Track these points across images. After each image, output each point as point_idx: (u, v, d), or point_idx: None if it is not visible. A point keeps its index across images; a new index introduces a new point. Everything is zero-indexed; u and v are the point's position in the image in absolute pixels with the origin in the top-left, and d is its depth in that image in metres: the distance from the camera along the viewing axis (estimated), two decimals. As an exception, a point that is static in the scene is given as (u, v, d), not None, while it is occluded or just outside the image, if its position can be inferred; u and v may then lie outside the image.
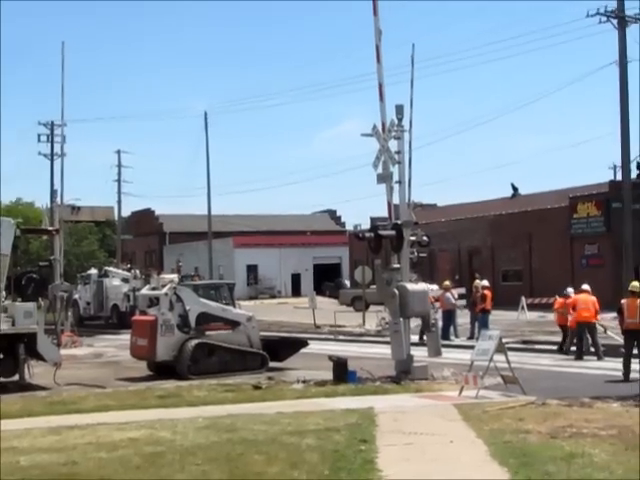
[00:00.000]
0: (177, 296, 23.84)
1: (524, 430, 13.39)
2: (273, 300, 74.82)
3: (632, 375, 20.31)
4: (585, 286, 26.46)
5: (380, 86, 21.72)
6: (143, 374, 23.84)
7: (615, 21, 43.48)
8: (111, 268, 53.24)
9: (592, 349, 25.30)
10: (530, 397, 17.10)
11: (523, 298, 43.53)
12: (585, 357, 25.06)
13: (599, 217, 50.12)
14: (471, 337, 30.85)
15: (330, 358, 21.19)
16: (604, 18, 43.49)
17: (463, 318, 34.04)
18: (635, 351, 20.87)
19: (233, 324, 24.72)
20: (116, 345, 33.68)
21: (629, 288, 21.54)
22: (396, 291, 20.56)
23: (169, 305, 23.68)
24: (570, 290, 27.05)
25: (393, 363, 21.06)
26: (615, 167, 54.92)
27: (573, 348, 25.72)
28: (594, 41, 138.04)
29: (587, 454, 11.37)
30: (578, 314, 25.49)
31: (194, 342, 23.43)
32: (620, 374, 20.40)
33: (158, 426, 14.36)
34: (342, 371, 20.24)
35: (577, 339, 25.60)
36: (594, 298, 25.72)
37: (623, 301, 21.12)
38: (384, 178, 21.34)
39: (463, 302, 36.50)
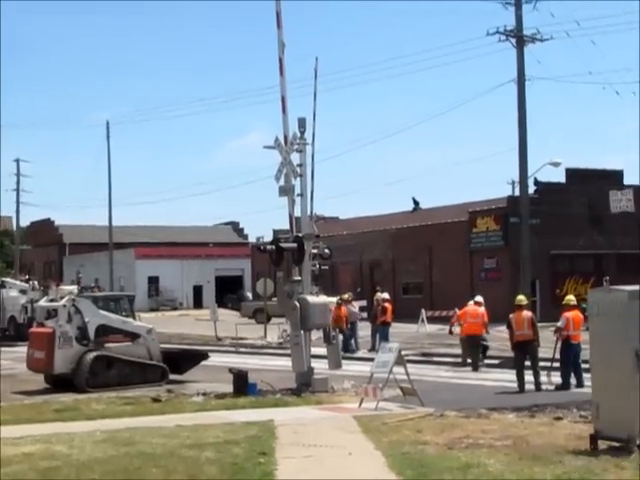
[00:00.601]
0: (76, 308, 23.46)
1: (422, 441, 13.55)
2: (174, 312, 74.23)
3: (527, 386, 20.76)
4: (478, 298, 27.06)
5: (283, 99, 21.78)
6: (40, 387, 23.39)
7: (514, 40, 44.46)
8: (8, 279, 52.05)
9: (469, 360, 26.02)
10: (429, 409, 17.29)
11: (423, 311, 44.08)
12: (483, 369, 25.56)
13: (498, 231, 51.09)
14: (372, 349, 31.07)
15: (230, 370, 21.13)
16: (503, 37, 44.44)
17: (364, 330, 34.29)
18: (528, 362, 21.29)
19: (133, 336, 24.44)
20: (12, 358, 32.90)
21: (515, 302, 22.07)
22: (297, 303, 20.61)
23: (67, 317, 23.29)
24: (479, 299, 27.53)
25: (294, 375, 21.09)
26: (513, 182, 56.03)
27: (469, 360, 26.24)
28: (494, 59, 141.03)
29: (482, 464, 11.57)
30: (467, 326, 26.11)
31: (93, 354, 23.09)
32: (516, 386, 20.81)
33: (54, 440, 14.09)
34: (242, 383, 20.18)
35: (470, 351, 26.13)
36: (483, 310, 26.33)
37: (511, 315, 21.64)
38: (286, 191, 21.39)
39: (364, 314, 36.73)
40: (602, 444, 12.66)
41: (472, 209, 53.39)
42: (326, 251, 22.44)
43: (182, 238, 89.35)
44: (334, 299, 40.22)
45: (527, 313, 21.58)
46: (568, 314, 21.14)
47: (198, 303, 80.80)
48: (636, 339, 12.29)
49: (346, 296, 34.47)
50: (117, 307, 26.20)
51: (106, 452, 12.96)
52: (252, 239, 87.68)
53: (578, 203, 51.18)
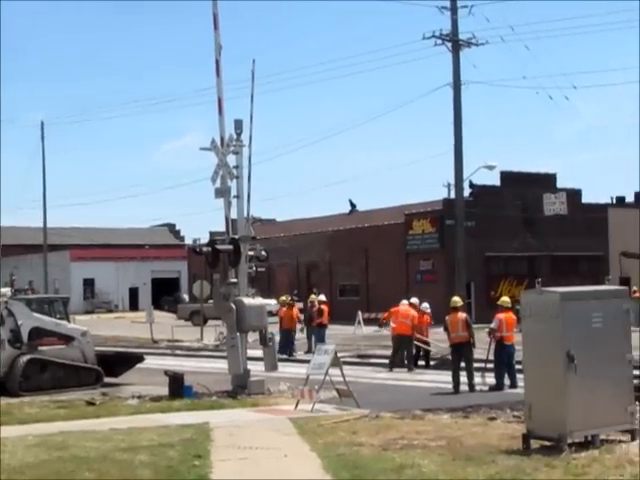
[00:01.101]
0: (8, 310, 23.09)
1: (357, 443, 13.60)
2: (110, 314, 73.59)
3: (461, 387, 20.96)
4: (413, 299, 27.38)
5: (219, 100, 21.70)
6: (-29, 391, 22.96)
7: (449, 44, 44.83)
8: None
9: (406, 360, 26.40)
10: (364, 410, 17.35)
11: (360, 313, 44.25)
12: (418, 370, 25.82)
13: (433, 234, 51.53)
14: (308, 351, 31.09)
15: (166, 373, 20.99)
16: (439, 41, 44.78)
17: (301, 333, 34.28)
18: (463, 364, 21.51)
19: (67, 339, 24.12)
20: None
21: (450, 304, 22.31)
22: (233, 306, 20.57)
23: (0, 320, 22.92)
24: (425, 305, 27.69)
25: (230, 378, 21.03)
26: (449, 185, 56.46)
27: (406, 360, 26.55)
28: (430, 63, 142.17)
29: (417, 465, 11.64)
30: (396, 326, 26.35)
31: (26, 358, 22.74)
32: (450, 387, 21.00)
33: (-15, 445, 13.85)
34: (178, 386, 20.06)
35: (402, 351, 26.37)
36: (415, 312, 26.60)
37: (447, 317, 21.87)
38: (222, 192, 21.32)
39: (301, 316, 36.71)
40: (534, 443, 12.83)
41: (408, 211, 53.78)
42: (263, 253, 22.41)
43: (118, 240, 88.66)
44: (272, 301, 40.38)
45: (462, 315, 21.83)
46: (501, 315, 21.40)
47: (134, 305, 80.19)
48: (568, 340, 12.49)
49: (284, 298, 34.48)
50: (51, 309, 25.84)
51: (38, 456, 12.77)
52: (189, 241, 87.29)
53: (512, 206, 51.89)
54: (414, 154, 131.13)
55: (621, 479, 10.71)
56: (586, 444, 12.64)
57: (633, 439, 13.07)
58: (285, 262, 59.15)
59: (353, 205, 64.05)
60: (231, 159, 21.40)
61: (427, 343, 27.16)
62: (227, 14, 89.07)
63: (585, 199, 56.96)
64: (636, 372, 15.76)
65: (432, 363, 26.92)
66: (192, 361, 31.27)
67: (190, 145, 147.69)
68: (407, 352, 26.44)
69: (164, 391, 20.36)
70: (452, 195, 50.24)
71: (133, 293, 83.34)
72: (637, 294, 43.40)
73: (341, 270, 58.19)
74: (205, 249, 21.86)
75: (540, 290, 13.27)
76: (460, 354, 21.47)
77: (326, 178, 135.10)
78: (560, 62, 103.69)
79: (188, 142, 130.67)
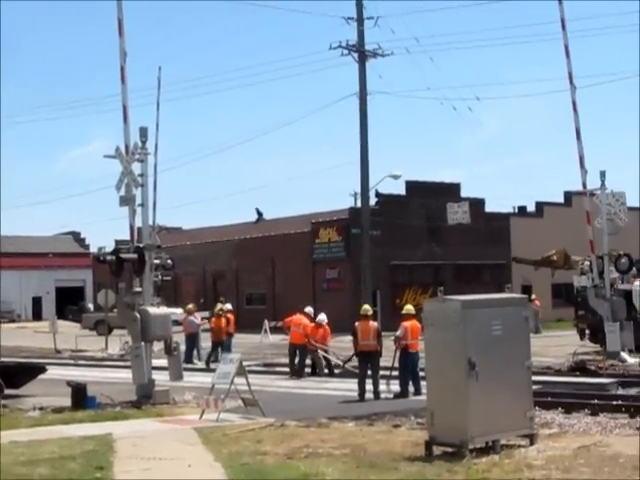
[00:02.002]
0: None
1: (262, 452, 13.60)
2: (12, 324, 71.98)
3: (367, 395, 21.10)
4: (307, 309, 27.63)
5: (124, 108, 21.51)
6: None
7: (356, 55, 45.29)
8: None
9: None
10: (269, 419, 17.34)
11: (266, 321, 44.27)
12: (319, 378, 25.98)
13: (340, 242, 51.87)
14: (215, 360, 30.91)
15: (68, 384, 20.64)
16: (346, 51, 45.25)
17: (207, 342, 34.10)
18: (370, 372, 21.66)
19: (-35, 350, 23.56)
20: None
21: (360, 312, 22.48)
22: (137, 315, 20.37)
23: None
24: (321, 317, 27.73)
25: (135, 388, 20.80)
26: (355, 194, 56.95)
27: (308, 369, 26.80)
28: (337, 72, 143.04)
29: (321, 473, 11.70)
30: (291, 334, 26.68)
31: None
32: (356, 394, 21.13)
33: None
34: (81, 397, 19.74)
35: (289, 359, 26.93)
36: (307, 321, 26.86)
37: (357, 324, 22.02)
38: (127, 200, 21.10)
39: (207, 325, 36.53)
40: (437, 450, 13.02)
41: (315, 220, 54.02)
42: (168, 262, 22.23)
43: (20, 248, 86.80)
44: (177, 310, 40.08)
45: (373, 324, 21.98)
46: (406, 323, 21.62)
47: (37, 315, 78.74)
48: (469, 347, 12.71)
49: (190, 306, 34.25)
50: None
51: None
52: (94, 249, 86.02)
53: (417, 215, 52.57)
54: (321, 163, 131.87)
55: (519, 483, 10.95)
56: (487, 449, 12.89)
57: (532, 443, 13.38)
58: (191, 271, 58.82)
59: (260, 213, 64.02)
60: (136, 167, 21.19)
61: (326, 352, 27.28)
62: (133, 20, 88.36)
63: (488, 208, 58.03)
64: (535, 378, 16.15)
65: (336, 372, 27.04)
66: (96, 371, 30.81)
67: (97, 152, 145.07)
68: (299, 360, 26.69)
69: (67, 402, 19.99)
70: (358, 204, 50.76)
71: (36, 302, 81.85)
72: (537, 302, 44.41)
73: (248, 279, 58.12)
74: (109, 258, 21.59)
75: (442, 298, 13.52)
76: (367, 362, 21.63)
77: (233, 186, 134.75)
78: (464, 74, 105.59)
79: (94, 149, 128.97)
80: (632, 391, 20.84)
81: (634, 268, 32.64)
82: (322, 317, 27.51)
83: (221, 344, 31.33)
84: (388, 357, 22.81)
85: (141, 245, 21.05)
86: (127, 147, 21.16)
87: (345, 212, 53.13)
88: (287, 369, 27.97)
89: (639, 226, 46.43)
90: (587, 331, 34.27)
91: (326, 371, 26.95)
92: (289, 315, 28.34)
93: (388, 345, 23.39)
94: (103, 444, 14.54)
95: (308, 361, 27.16)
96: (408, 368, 21.40)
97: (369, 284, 46.26)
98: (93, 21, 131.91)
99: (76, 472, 12.10)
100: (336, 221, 52.81)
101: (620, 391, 21.09)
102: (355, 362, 24.32)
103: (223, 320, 31.83)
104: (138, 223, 21.51)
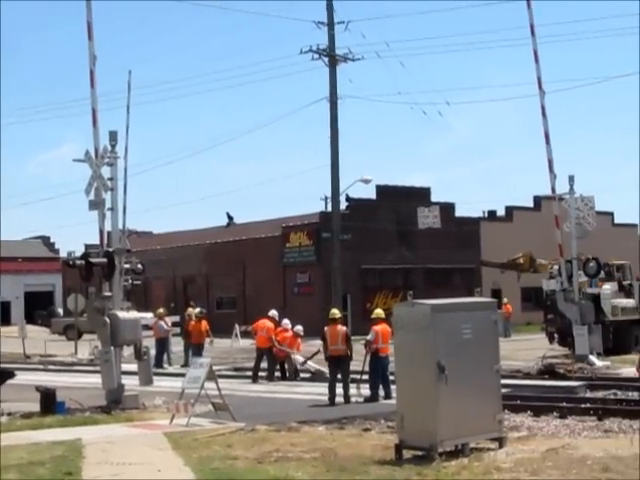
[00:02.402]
0: None
1: (232, 456, 13.58)
2: (-20, 329, 71.41)
3: (338, 399, 21.13)
4: (271, 312, 27.81)
5: (94, 111, 21.42)
6: None
7: (326, 59, 45.36)
8: None
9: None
10: (240, 423, 17.32)
11: (237, 325, 44.20)
12: (289, 382, 26.04)
13: (310, 246, 51.90)
14: (185, 365, 30.83)
15: (37, 389, 20.51)
16: (316, 55, 45.30)
17: (178, 346, 34.04)
18: (340, 376, 21.70)
19: None
20: None
21: (329, 316, 22.52)
22: (107, 319, 20.30)
23: None
24: (285, 321, 27.82)
25: (104, 393, 20.71)
26: (326, 198, 57.05)
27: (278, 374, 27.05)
28: (308, 77, 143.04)
29: (290, 477, 11.71)
30: (257, 339, 27.13)
31: None
32: (326, 398, 21.15)
33: None
34: (50, 402, 19.62)
35: (255, 363, 27.07)
36: (270, 324, 27.13)
37: (326, 328, 22.06)
38: (96, 205, 21.02)
39: (177, 330, 36.46)
40: (407, 453, 13.06)
41: (286, 224, 54.03)
42: (139, 266, 22.17)
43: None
44: (148, 314, 39.93)
45: (342, 328, 22.00)
46: (377, 327, 21.67)
47: (6, 320, 77.97)
48: (438, 351, 12.77)
49: (161, 310, 34.17)
50: None
51: None
52: (64, 254, 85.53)
53: (388, 219, 52.71)
54: (292, 167, 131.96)
55: (488, 486, 11.02)
56: (456, 453, 12.94)
57: (501, 446, 13.45)
58: (162, 275, 58.64)
59: (230, 218, 63.92)
60: (106, 171, 21.13)
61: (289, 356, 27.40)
62: (104, 24, 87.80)
63: (458, 213, 58.32)
64: (504, 381, 16.25)
65: (302, 376, 27.05)
66: (66, 376, 30.62)
67: (67, 156, 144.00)
68: (268, 364, 26.84)
69: (36, 408, 19.85)
70: (329, 208, 50.82)
71: (5, 307, 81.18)
72: (508, 307, 44.64)
73: (218, 283, 58.02)
74: (78, 262, 21.50)
75: (411, 302, 13.57)
76: (337, 366, 21.67)
77: (204, 190, 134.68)
78: (434, 78, 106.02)
79: (64, 152, 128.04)
80: (600, 394, 21.01)
81: (602, 272, 32.91)
82: (286, 322, 27.67)
83: (201, 347, 31.23)
84: (358, 361, 22.87)
85: (111, 249, 20.98)
86: (97, 151, 21.10)
87: (316, 216, 53.18)
88: (259, 374, 27.99)
89: (608, 230, 46.81)
90: (556, 335, 34.53)
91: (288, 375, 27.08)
92: (259, 319, 28.35)
93: (359, 349, 23.44)
94: (72, 449, 14.46)
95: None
96: (378, 372, 21.46)
97: (339, 288, 46.28)
98: (64, 24, 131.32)
99: (45, 478, 12.03)
100: (307, 225, 52.84)
101: (588, 394, 21.26)
102: (320, 364, 24.56)
103: (203, 323, 31.77)
104: (108, 227, 21.44)
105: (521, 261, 39.78)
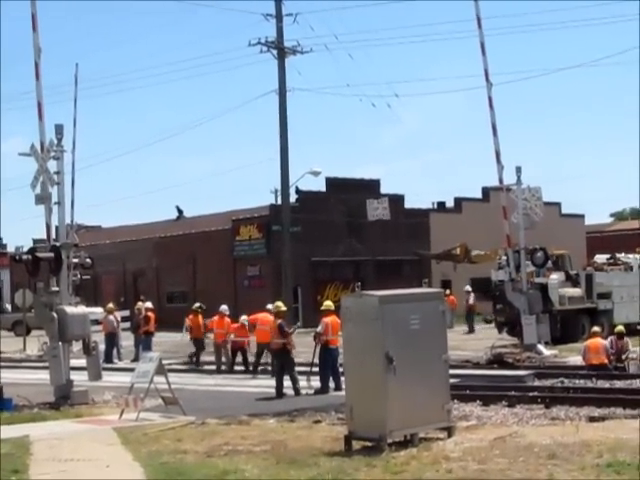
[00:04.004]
0: None
1: (182, 450, 13.55)
2: None
3: (288, 392, 21.14)
4: (222, 307, 28.74)
5: (39, 105, 21.20)
6: None
7: (275, 51, 45.34)
8: None
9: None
10: (190, 417, 17.26)
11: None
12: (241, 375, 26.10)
13: (260, 239, 51.81)
14: (135, 360, 30.64)
15: (-16, 386, 20.27)
16: (265, 48, 45.28)
17: (128, 341, 33.84)
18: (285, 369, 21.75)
19: None
20: None
21: (272, 309, 22.68)
22: (54, 315, 20.12)
23: None
24: (224, 307, 28.49)
25: (53, 389, 20.54)
26: (276, 191, 56.98)
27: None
28: (257, 69, 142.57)
29: (240, 470, 11.70)
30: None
31: None
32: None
33: None
34: (-3, 399, 19.42)
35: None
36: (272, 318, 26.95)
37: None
38: (42, 199, 20.80)
39: (127, 324, 36.20)
40: (357, 445, 13.13)
41: (235, 217, 53.88)
42: (87, 260, 22.00)
43: None
44: (97, 309, 39.60)
45: (276, 321, 22.09)
46: (327, 319, 21.71)
47: (-48, 316, 77.01)
48: (386, 342, 12.83)
49: (111, 305, 33.93)
50: None
51: None
52: (11, 249, 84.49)
53: (337, 211, 52.76)
54: (241, 160, 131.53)
55: (436, 475, 11.09)
56: (405, 443, 13.04)
57: (450, 436, 13.57)
58: (111, 269, 58.18)
59: (180, 211, 63.57)
60: (52, 165, 20.93)
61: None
62: (49, 16, 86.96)
63: (407, 204, 58.48)
64: (454, 371, 16.38)
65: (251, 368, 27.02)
66: (14, 372, 30.19)
67: (14, 150, 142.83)
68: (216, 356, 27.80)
69: (-18, 405, 19.65)
70: (279, 201, 50.81)
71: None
72: (452, 297, 44.89)
73: (169, 277, 57.69)
74: (25, 257, 21.25)
75: (359, 294, 13.62)
76: (278, 360, 21.74)
77: (153, 184, 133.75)
78: (383, 71, 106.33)
79: (12, 146, 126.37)
80: (548, 382, 21.28)
81: (549, 262, 33.26)
82: (243, 317, 27.99)
83: (202, 342, 30.59)
84: (308, 353, 22.91)
85: (58, 244, 20.78)
86: (42, 144, 20.88)
87: (266, 209, 53.09)
88: (208, 367, 27.98)
89: (555, 221, 47.29)
90: (504, 324, 34.86)
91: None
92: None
93: (308, 341, 23.50)
94: (19, 446, 14.31)
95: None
96: (328, 364, 21.50)
97: (290, 281, 46.35)
98: (9, 13, 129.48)
99: (-10, 476, 11.91)
100: (257, 218, 52.73)
101: (536, 382, 21.52)
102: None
103: (200, 317, 30.66)
104: (55, 222, 21.23)
105: (457, 252, 40.09)
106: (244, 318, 27.83)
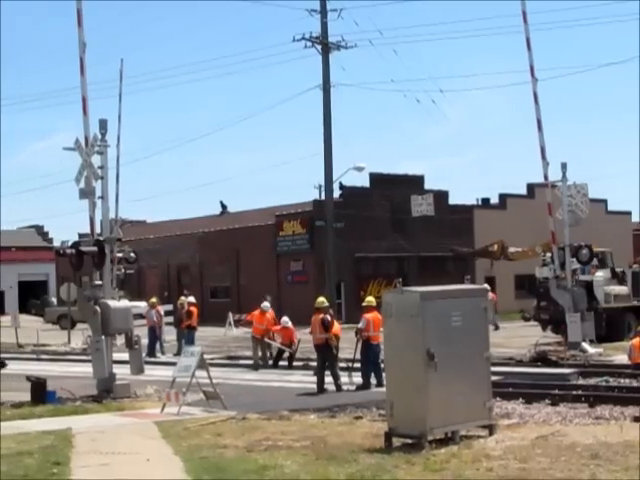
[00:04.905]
0: None
1: (222, 445, 13.55)
2: (-26, 319, 71.31)
3: (329, 387, 21.10)
4: (264, 304, 28.31)
5: (84, 100, 21.34)
6: None
7: (319, 47, 45.29)
8: None
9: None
10: (231, 412, 17.29)
11: (230, 314, 44.18)
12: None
13: (304, 235, 51.81)
14: (178, 354, 30.77)
15: (28, 378, 20.48)
16: (309, 43, 45.26)
17: (171, 335, 34.03)
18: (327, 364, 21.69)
19: None
20: None
21: (315, 304, 22.51)
22: (98, 308, 20.26)
23: None
24: (266, 305, 28.28)
25: (96, 382, 20.68)
26: (320, 187, 56.92)
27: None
28: (301, 64, 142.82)
29: (279, 466, 11.67)
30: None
31: None
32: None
33: None
34: (40, 392, 19.57)
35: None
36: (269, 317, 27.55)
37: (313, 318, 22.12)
38: (86, 193, 20.95)
39: (170, 319, 36.41)
40: (397, 441, 13.04)
41: (279, 213, 53.94)
42: (132, 255, 22.17)
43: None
44: (141, 303, 39.90)
45: (318, 316, 21.91)
46: (368, 315, 21.64)
47: (0, 309, 77.98)
48: (428, 338, 12.73)
49: (154, 299, 34.13)
50: None
51: None
52: (57, 243, 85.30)
53: (381, 207, 52.61)
54: (285, 155, 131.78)
55: (477, 473, 10.98)
56: (446, 440, 12.93)
57: (491, 434, 13.44)
58: (155, 264, 58.56)
59: (224, 206, 63.83)
60: (96, 159, 21.07)
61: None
62: (94, 11, 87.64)
63: (451, 200, 58.20)
64: (496, 369, 16.22)
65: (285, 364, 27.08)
66: (58, 365, 30.59)
67: (59, 145, 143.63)
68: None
69: (26, 397, 19.81)
70: (322, 196, 50.77)
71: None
72: (492, 294, 44.49)
73: (212, 272, 57.92)
74: (69, 251, 21.44)
75: (401, 290, 13.52)
76: (320, 355, 21.70)
77: (197, 179, 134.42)
78: (428, 66, 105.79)
79: (57, 142, 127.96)
80: (592, 381, 21.02)
81: (595, 259, 32.88)
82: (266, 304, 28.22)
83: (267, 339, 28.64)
84: (350, 349, 22.86)
85: (101, 238, 20.92)
86: (87, 139, 21.01)
87: (309, 205, 53.07)
88: (250, 362, 28.01)
89: (601, 218, 46.78)
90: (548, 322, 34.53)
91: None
92: (254, 309, 28.03)
93: (351, 337, 23.43)
94: (62, 439, 14.42)
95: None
96: (369, 360, 21.44)
97: (333, 276, 46.31)
98: (55, 10, 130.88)
99: (32, 468, 11.97)
100: (300, 214, 52.74)
101: (580, 381, 21.27)
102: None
103: (267, 315, 28.58)
104: (99, 216, 21.40)
105: (494, 249, 39.81)
106: (286, 320, 27.66)
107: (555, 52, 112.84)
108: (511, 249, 38.72)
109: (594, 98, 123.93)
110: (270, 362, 27.25)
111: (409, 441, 12.88)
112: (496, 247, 39.47)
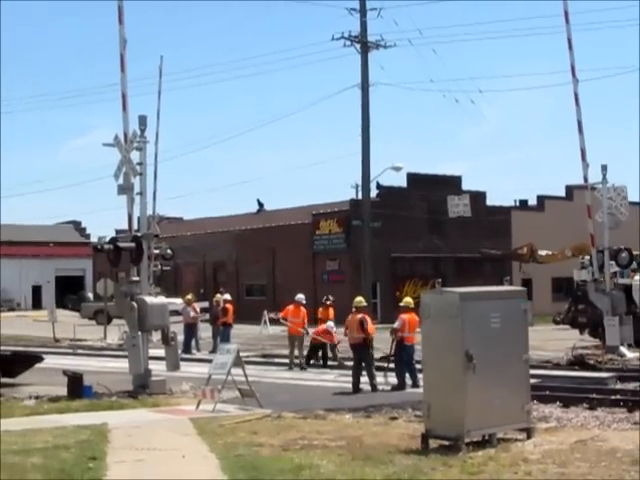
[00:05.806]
0: None
1: (257, 443, 13.51)
2: (12, 313, 71.91)
3: (365, 387, 21.02)
4: (298, 296, 28.16)
5: (124, 96, 21.40)
6: None
7: (358, 46, 45.18)
8: None
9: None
10: (266, 410, 17.26)
11: (266, 312, 44.18)
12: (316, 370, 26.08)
13: (340, 234, 51.76)
14: (213, 351, 30.80)
15: (65, 373, 20.58)
16: (348, 42, 45.15)
17: (206, 332, 34.07)
18: (364, 364, 21.60)
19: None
20: None
21: (353, 304, 22.41)
22: (134, 304, 20.30)
23: None
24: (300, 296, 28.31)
25: (131, 377, 20.74)
26: (357, 186, 56.78)
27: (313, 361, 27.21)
28: (340, 63, 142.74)
29: (315, 465, 11.60)
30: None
31: None
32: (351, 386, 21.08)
33: None
34: (77, 386, 19.66)
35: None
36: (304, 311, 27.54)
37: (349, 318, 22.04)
38: (125, 189, 21.00)
39: (206, 316, 36.46)
40: (433, 443, 12.94)
41: (316, 211, 53.92)
42: (168, 252, 22.18)
43: (21, 237, 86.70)
44: (177, 300, 40.01)
45: (356, 316, 21.81)
46: (405, 316, 21.52)
47: (37, 304, 78.65)
48: (466, 340, 12.61)
49: (189, 296, 34.19)
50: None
51: None
52: (94, 239, 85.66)
53: (418, 207, 52.45)
54: (322, 154, 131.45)
55: (515, 477, 10.86)
56: (483, 443, 12.81)
57: (529, 437, 13.30)
58: (192, 261, 58.77)
59: (261, 204, 63.89)
60: (135, 156, 21.12)
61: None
62: (134, 9, 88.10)
63: (489, 202, 57.88)
64: (534, 372, 16.05)
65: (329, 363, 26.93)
66: (94, 360, 30.76)
67: (98, 141, 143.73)
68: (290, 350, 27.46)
69: (63, 391, 19.91)
70: (359, 196, 50.66)
71: (36, 291, 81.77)
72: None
73: (248, 269, 58.02)
74: (106, 246, 21.49)
75: (440, 290, 13.43)
76: (356, 355, 21.62)
77: (234, 177, 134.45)
78: (467, 66, 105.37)
79: (96, 138, 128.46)
80: (630, 386, 20.74)
81: (634, 263, 32.52)
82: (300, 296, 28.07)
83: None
84: (386, 349, 22.74)
85: (139, 234, 20.96)
86: (126, 135, 21.07)
87: (346, 204, 53.01)
88: (286, 360, 27.98)
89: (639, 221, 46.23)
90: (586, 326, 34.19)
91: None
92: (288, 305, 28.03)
93: (386, 337, 23.32)
94: (98, 434, 14.46)
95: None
96: (403, 360, 21.33)
97: (369, 276, 46.17)
98: (94, 9, 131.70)
99: (69, 462, 12.00)
100: (337, 212, 52.70)
101: (619, 385, 21.01)
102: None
103: (331, 311, 28.76)
104: (137, 212, 21.43)
105: (523, 251, 39.53)
106: (331, 325, 27.36)
107: (596, 53, 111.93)
108: (540, 252, 38.46)
109: (634, 99, 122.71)
110: (305, 361, 27.06)
111: (446, 443, 12.78)
112: (525, 250, 39.23)
